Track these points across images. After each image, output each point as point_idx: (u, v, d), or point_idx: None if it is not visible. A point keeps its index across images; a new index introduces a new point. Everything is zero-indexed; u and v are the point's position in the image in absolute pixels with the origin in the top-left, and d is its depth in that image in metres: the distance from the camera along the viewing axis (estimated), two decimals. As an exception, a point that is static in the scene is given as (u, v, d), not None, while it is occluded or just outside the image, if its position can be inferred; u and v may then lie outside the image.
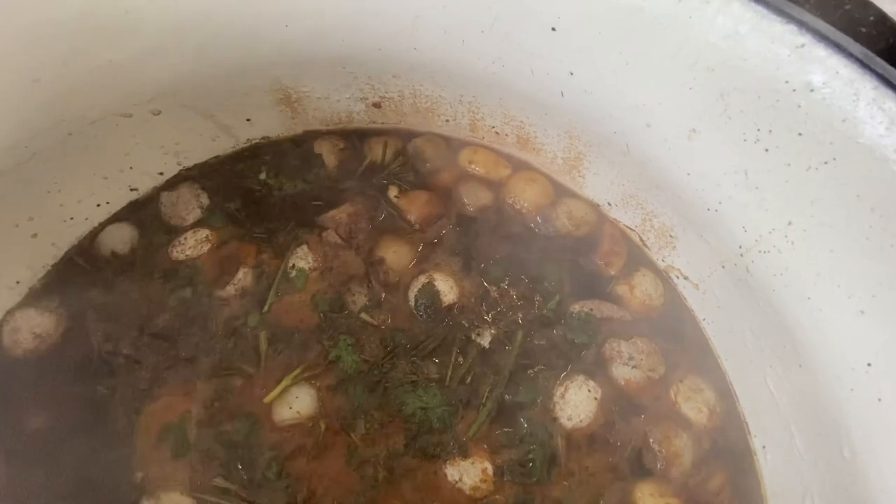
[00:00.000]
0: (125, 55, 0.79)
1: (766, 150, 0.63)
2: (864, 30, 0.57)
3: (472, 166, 1.14)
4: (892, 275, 0.59)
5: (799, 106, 0.58)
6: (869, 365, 0.62)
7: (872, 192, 0.58)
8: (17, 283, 0.97)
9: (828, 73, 0.56)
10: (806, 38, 0.56)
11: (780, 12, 0.57)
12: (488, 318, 0.98)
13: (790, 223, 0.65)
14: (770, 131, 0.62)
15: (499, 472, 0.86)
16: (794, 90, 0.58)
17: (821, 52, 0.56)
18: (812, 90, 0.57)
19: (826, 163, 0.59)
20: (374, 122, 1.18)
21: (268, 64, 0.93)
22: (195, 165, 1.12)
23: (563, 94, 0.84)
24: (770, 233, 0.67)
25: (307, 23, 0.85)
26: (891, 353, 0.61)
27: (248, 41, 0.86)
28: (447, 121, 1.15)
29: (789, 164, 0.62)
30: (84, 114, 0.84)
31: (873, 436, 0.62)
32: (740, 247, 0.75)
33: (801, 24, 0.56)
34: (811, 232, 0.64)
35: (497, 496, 0.85)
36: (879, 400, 0.61)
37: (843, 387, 0.65)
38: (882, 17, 0.59)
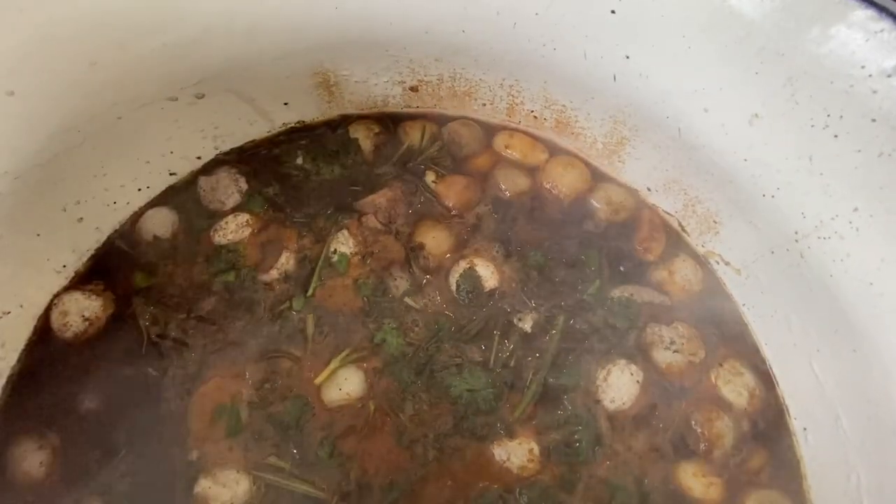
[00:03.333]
0: (178, 37, 0.78)
1: (836, 136, 0.63)
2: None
3: (509, 151, 1.14)
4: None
5: (874, 91, 0.58)
6: (930, 349, 0.63)
7: (944, 178, 0.58)
8: (64, 266, 0.97)
9: (906, 59, 0.56)
10: (885, 24, 0.56)
11: (858, -4, 0.57)
12: (530, 302, 0.99)
13: (856, 209, 0.65)
14: (841, 117, 0.62)
15: (545, 452, 0.88)
16: (869, 76, 0.58)
17: (900, 37, 0.56)
18: (889, 76, 0.57)
19: (900, 149, 0.59)
20: (409, 107, 1.17)
21: (314, 47, 0.92)
22: (232, 150, 1.12)
23: (615, 78, 0.83)
24: (833, 219, 0.68)
25: (357, 5, 0.84)
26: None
27: (298, 23, 0.85)
28: (484, 105, 1.14)
29: (860, 150, 0.62)
30: (135, 97, 0.84)
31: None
32: (796, 232, 0.75)
33: (880, 10, 0.56)
34: (879, 218, 0.64)
35: (544, 475, 0.87)
36: (941, 383, 0.62)
37: (902, 370, 0.66)
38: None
